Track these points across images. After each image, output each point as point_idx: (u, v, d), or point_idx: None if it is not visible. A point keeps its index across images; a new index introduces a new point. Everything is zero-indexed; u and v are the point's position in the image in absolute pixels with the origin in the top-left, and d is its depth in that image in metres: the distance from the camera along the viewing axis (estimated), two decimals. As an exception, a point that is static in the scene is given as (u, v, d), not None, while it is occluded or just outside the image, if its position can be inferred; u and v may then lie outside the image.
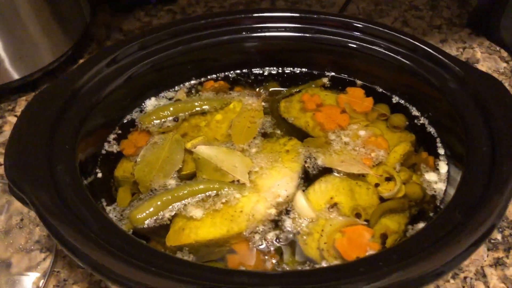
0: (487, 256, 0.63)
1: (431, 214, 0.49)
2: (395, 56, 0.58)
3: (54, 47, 0.86)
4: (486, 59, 0.96)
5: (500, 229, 0.65)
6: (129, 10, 1.06)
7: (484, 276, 0.60)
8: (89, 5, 0.98)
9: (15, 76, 0.81)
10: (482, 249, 0.64)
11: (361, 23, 0.59)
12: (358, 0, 1.12)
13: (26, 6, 0.78)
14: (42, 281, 0.59)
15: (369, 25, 0.58)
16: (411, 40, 0.57)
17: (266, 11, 0.61)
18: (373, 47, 0.59)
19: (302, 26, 0.61)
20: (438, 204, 0.50)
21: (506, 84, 0.90)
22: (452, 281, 0.60)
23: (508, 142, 0.47)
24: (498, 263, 0.62)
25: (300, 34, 0.61)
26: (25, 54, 0.81)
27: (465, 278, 0.60)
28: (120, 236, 0.41)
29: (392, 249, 0.41)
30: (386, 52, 0.58)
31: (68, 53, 0.89)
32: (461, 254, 0.38)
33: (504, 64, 0.94)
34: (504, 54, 0.97)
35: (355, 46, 0.60)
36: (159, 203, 0.49)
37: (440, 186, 0.52)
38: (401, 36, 0.57)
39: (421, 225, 0.48)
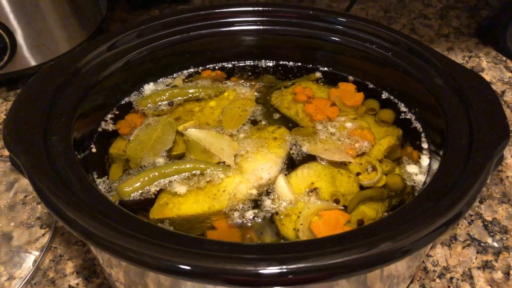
0: (476, 259, 0.63)
1: (408, 204, 0.50)
2: (379, 50, 0.59)
3: (70, 38, 0.90)
4: (491, 68, 0.96)
5: (492, 233, 0.66)
6: (145, 8, 1.10)
7: (471, 277, 0.61)
8: (106, 0, 1.03)
9: (32, 63, 0.86)
10: (470, 251, 0.64)
11: (343, 17, 0.61)
12: (368, 7, 1.14)
13: (47, -1, 0.83)
14: (39, 255, 0.62)
15: (351, 19, 0.60)
16: (392, 34, 0.58)
17: (262, 5, 0.64)
18: (356, 41, 0.61)
19: (296, 21, 0.63)
20: (416, 194, 0.51)
21: (510, 93, 0.90)
22: (438, 280, 0.61)
23: (485, 137, 0.48)
24: (486, 266, 0.62)
25: (290, 28, 0.63)
26: (43, 43, 0.86)
27: (451, 278, 0.61)
28: (105, 203, 0.44)
29: (359, 229, 0.42)
30: (369, 45, 0.60)
31: (83, 44, 0.93)
32: (426, 236, 0.40)
33: (509, 74, 0.94)
34: (510, 64, 0.97)
35: (338, 39, 0.62)
36: (146, 178, 0.51)
37: (420, 178, 0.53)
38: (383, 29, 0.59)
39: (396, 212, 0.49)
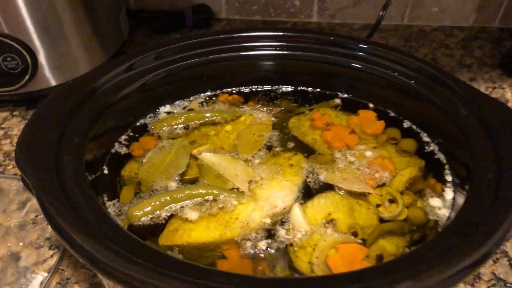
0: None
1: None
2: (401, 77, 0.58)
3: (91, 60, 0.91)
4: (516, 100, 0.93)
5: None
6: (166, 32, 1.11)
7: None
8: (128, 24, 1.04)
9: (52, 83, 0.86)
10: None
11: (364, 43, 0.60)
12: (389, 36, 1.13)
13: (70, 22, 0.84)
14: (46, 277, 0.60)
15: (373, 46, 0.59)
16: (415, 61, 0.56)
17: (282, 30, 0.63)
18: (378, 67, 0.59)
19: (316, 46, 0.62)
20: (440, 230, 0.48)
21: (536, 126, 0.86)
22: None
23: (515, 170, 0.45)
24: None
25: (310, 54, 0.62)
26: (64, 63, 0.86)
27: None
28: (113, 228, 0.42)
29: (379, 266, 0.40)
30: (391, 73, 0.58)
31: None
32: (450, 277, 0.37)
33: (535, 106, 0.91)
34: (536, 96, 0.94)
35: (359, 66, 0.60)
36: (157, 202, 0.49)
37: (444, 212, 0.50)
38: (405, 57, 0.57)
39: (419, 248, 0.46)
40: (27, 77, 0.83)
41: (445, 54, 1.07)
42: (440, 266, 0.37)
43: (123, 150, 0.58)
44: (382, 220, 0.50)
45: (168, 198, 0.50)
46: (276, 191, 0.51)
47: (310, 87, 0.67)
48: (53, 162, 0.46)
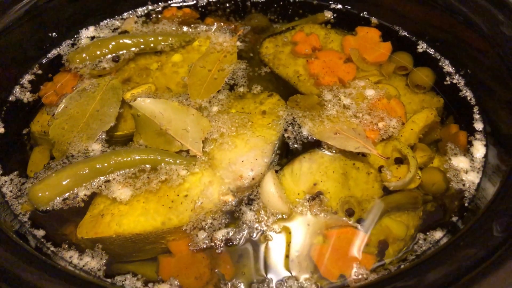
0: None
1: (454, 219, 0.34)
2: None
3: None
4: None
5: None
6: None
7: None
8: None
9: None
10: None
11: None
12: None
13: None
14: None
15: None
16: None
17: None
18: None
19: None
20: (466, 203, 0.35)
21: None
22: None
23: None
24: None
25: None
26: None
27: None
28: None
29: (400, 274, 0.27)
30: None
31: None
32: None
33: None
34: None
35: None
36: (70, 178, 0.35)
37: (472, 178, 0.37)
38: None
39: (438, 234, 0.34)
40: None
41: None
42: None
43: (28, 97, 0.41)
44: (386, 190, 0.36)
45: (86, 170, 0.35)
46: (243, 154, 0.37)
47: (291, -6, 0.49)
48: None
